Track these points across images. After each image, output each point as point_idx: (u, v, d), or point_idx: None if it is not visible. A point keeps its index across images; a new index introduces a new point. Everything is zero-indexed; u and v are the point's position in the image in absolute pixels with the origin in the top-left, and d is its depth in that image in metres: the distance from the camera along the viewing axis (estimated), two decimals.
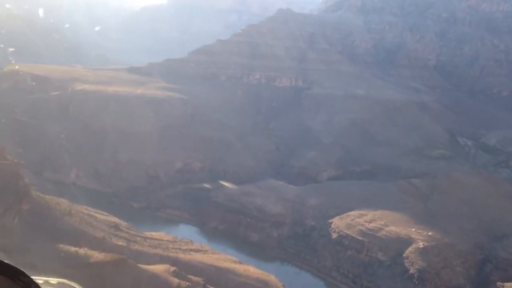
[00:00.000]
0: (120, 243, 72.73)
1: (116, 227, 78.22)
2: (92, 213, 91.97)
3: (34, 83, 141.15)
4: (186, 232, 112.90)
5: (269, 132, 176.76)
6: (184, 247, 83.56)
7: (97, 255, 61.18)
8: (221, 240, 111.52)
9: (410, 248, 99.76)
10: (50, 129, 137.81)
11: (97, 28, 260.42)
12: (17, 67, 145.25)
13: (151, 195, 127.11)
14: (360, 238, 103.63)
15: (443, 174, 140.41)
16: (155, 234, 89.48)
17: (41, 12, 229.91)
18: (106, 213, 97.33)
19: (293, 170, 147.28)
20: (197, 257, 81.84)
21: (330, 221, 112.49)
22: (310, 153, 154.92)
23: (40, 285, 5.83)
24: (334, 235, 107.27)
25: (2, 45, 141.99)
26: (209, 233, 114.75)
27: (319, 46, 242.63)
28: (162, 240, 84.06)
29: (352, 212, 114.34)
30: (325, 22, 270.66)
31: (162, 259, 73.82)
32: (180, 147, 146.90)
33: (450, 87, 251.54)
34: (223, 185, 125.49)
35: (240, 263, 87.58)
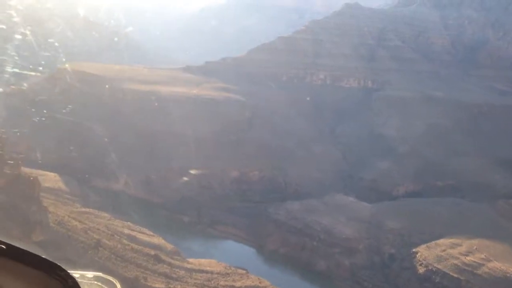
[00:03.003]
0: (157, 285, 58.30)
1: (157, 258, 64.16)
2: (133, 234, 78.93)
3: (83, 83, 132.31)
4: (241, 255, 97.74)
5: (335, 139, 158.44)
6: (238, 284, 68.00)
7: None
8: (282, 267, 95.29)
9: None
10: (99, 132, 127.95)
11: (130, 29, 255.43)
12: (66, 65, 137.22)
13: (204, 208, 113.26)
14: (456, 275, 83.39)
15: None
16: (204, 262, 74.78)
17: (81, 11, 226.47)
18: (150, 233, 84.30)
19: (362, 183, 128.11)
20: None
21: (414, 250, 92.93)
22: (383, 163, 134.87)
23: (76, 278, 5.55)
24: (421, 269, 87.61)
25: (56, 44, 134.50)
26: (268, 256, 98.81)
27: (390, 43, 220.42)
28: (212, 272, 69.07)
29: (442, 241, 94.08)
30: (396, 17, 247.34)
31: None
32: (237, 154, 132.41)
33: None
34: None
35: None
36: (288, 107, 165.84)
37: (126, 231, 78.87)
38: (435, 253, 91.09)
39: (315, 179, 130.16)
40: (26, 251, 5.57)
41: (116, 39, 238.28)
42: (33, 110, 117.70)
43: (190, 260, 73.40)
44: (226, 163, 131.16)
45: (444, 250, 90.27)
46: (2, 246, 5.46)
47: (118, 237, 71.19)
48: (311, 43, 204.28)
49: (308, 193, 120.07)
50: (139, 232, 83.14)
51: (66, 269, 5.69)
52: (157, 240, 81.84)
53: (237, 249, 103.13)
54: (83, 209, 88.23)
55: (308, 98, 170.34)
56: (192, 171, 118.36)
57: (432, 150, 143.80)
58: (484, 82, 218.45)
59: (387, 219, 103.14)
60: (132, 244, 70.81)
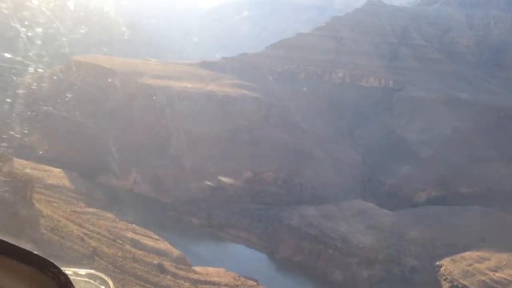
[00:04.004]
0: None
1: (160, 267, 59.10)
2: (137, 238, 74.20)
3: (94, 77, 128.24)
4: (252, 262, 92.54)
5: (354, 141, 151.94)
6: None
7: None
8: (295, 275, 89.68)
9: None
10: (108, 128, 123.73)
11: (144, 22, 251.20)
12: (75, 57, 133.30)
13: (214, 210, 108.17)
14: None
15: None
16: (212, 271, 69.59)
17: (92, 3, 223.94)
18: (155, 236, 79.57)
19: (382, 188, 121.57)
20: None
21: (438, 263, 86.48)
22: (404, 167, 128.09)
23: (69, 276, 5.67)
24: (446, 285, 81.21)
25: (64, 39, 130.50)
26: (280, 264, 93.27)
27: (413, 42, 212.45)
28: (219, 284, 63.85)
29: (468, 253, 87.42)
30: (420, 15, 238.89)
31: None
32: (250, 154, 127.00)
33: None
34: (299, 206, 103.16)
35: None
36: (306, 106, 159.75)
37: (130, 234, 74.19)
38: (461, 267, 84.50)
39: (332, 182, 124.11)
40: (18, 247, 5.44)
41: (126, 31, 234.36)
42: (40, 103, 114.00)
43: (197, 268, 68.26)
44: (239, 163, 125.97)
45: (470, 265, 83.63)
46: None
47: (120, 243, 66.46)
48: (331, 40, 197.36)
49: (324, 197, 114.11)
50: (144, 235, 78.50)
51: (58, 266, 5.62)
52: (163, 245, 77.04)
53: (248, 255, 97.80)
54: (86, 209, 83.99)
55: (322, 93, 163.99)
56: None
57: (455, 154, 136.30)
58: (510, 84, 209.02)
59: (409, 228, 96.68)
60: (135, 251, 65.99)
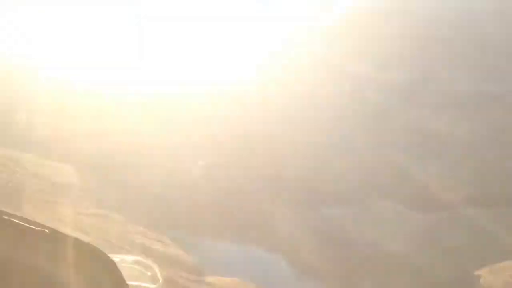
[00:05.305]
0: None
1: (170, 281, 53.02)
2: (147, 243, 68.77)
3: None
4: (270, 267, 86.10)
5: (381, 136, 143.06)
6: None
7: None
8: (317, 284, 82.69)
9: None
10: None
11: None
12: None
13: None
14: None
15: None
16: (226, 283, 63.71)
17: None
18: (168, 241, 74.22)
19: (413, 188, 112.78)
20: None
21: (476, 273, 78.43)
22: (436, 166, 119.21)
23: (116, 263, 7.29)
24: None
25: None
26: (301, 270, 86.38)
27: (446, 31, 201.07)
28: None
29: (508, 263, 79.17)
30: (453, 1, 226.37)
31: None
32: (269, 149, 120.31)
33: None
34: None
35: None
36: (327, 96, 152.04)
37: (139, 240, 68.58)
38: (502, 278, 76.27)
39: (357, 180, 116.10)
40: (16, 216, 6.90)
41: None
42: None
43: (211, 280, 62.17)
44: (259, 158, 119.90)
45: None
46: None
47: (129, 250, 60.82)
48: (355, 31, 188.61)
49: (349, 198, 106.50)
50: (155, 240, 72.88)
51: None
52: (174, 250, 71.19)
53: (267, 259, 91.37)
54: (96, 211, 79.08)
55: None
56: None
57: (494, 152, 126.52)
58: None
59: (443, 233, 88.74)
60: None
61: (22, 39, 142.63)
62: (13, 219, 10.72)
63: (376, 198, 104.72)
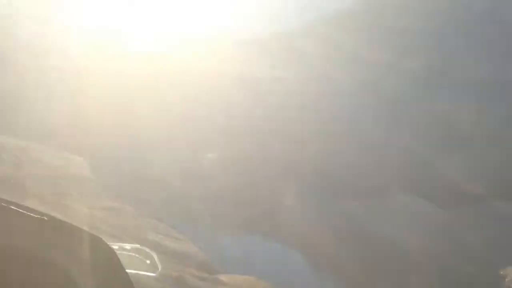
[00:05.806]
0: None
1: (179, 280, 50.83)
2: (157, 239, 66.84)
3: None
4: (285, 263, 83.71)
5: (398, 126, 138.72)
6: None
7: None
8: (334, 281, 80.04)
9: None
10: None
11: None
12: None
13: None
14: None
15: None
16: (239, 281, 61.08)
17: None
18: (180, 236, 72.32)
19: (434, 181, 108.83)
20: None
21: (501, 272, 74.81)
22: (458, 158, 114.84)
23: (115, 250, 6.72)
24: None
25: None
26: (317, 267, 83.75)
27: (464, 17, 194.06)
28: None
29: None
30: None
31: None
32: (285, 142, 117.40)
33: None
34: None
35: None
36: (345, 84, 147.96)
37: (150, 236, 66.73)
38: None
39: (374, 173, 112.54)
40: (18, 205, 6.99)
41: None
42: None
43: (223, 278, 59.85)
44: (275, 149, 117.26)
45: None
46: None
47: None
48: (372, 17, 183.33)
49: (365, 191, 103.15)
50: (166, 235, 70.95)
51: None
52: (186, 246, 69.20)
53: (282, 254, 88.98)
54: (108, 204, 77.63)
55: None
56: None
57: None
58: None
59: (466, 229, 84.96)
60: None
61: None
62: (11, 206, 10.49)
63: (396, 191, 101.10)
